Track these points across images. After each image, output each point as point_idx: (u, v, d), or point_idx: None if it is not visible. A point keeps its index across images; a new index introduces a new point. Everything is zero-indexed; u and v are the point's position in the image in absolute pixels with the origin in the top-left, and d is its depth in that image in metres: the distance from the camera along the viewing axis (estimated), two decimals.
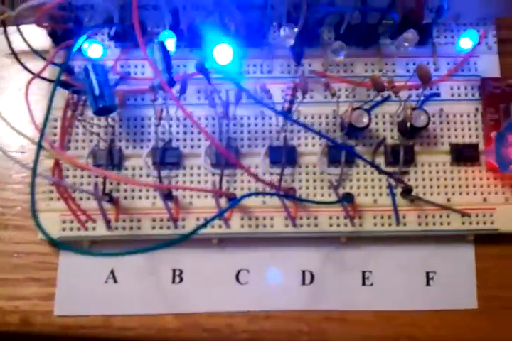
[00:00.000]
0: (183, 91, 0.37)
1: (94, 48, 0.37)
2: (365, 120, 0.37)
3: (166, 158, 0.39)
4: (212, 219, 0.32)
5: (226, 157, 0.31)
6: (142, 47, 0.29)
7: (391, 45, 0.41)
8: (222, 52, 0.36)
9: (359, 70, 0.41)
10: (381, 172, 0.37)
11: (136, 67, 0.41)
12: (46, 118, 0.33)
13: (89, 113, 0.39)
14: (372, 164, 0.38)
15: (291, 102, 0.36)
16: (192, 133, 0.40)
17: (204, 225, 0.31)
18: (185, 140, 0.40)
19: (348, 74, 0.41)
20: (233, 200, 0.37)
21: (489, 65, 0.42)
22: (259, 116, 0.40)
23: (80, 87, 0.37)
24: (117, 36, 0.40)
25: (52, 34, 0.39)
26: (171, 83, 0.34)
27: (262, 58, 0.41)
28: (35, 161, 0.31)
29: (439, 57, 0.41)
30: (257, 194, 0.37)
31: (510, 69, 0.42)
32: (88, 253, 0.29)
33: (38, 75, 0.37)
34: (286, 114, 0.36)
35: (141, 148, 0.40)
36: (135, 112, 0.40)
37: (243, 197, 0.34)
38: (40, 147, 0.32)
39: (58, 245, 0.34)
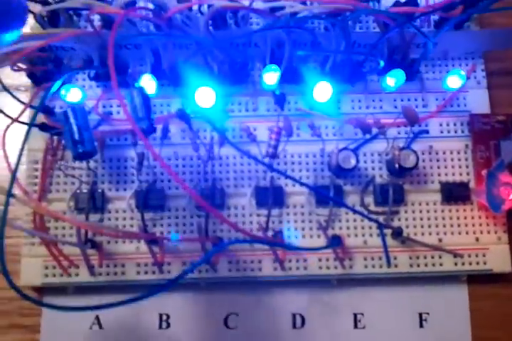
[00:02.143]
0: (164, 135, 0.36)
1: (73, 93, 0.36)
2: (353, 161, 0.37)
3: (150, 200, 0.38)
4: (196, 265, 0.31)
5: (203, 206, 0.30)
6: (119, 97, 0.28)
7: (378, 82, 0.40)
8: (204, 96, 0.35)
9: (346, 107, 0.41)
10: (367, 218, 0.36)
11: (118, 106, 0.40)
12: (17, 166, 0.32)
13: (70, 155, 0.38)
14: (356, 211, 0.37)
15: (276, 147, 0.35)
16: (177, 173, 0.39)
17: (187, 272, 0.30)
18: (169, 180, 0.39)
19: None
20: (217, 246, 0.36)
21: (479, 100, 0.41)
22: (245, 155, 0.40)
23: (60, 129, 0.36)
24: (98, 76, 0.39)
25: (31, 75, 0.38)
26: (151, 130, 0.33)
27: (246, 96, 0.40)
28: (4, 211, 0.30)
29: (427, 93, 0.41)
30: (241, 242, 0.36)
31: (499, 104, 0.41)
32: (68, 310, 0.27)
33: (15, 120, 0.36)
34: (269, 165, 0.35)
35: (124, 190, 0.39)
36: (117, 153, 0.40)
37: (227, 244, 0.33)
38: (9, 196, 0.31)
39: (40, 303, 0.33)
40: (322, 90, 0.36)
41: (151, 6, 0.35)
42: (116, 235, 0.37)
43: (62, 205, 0.39)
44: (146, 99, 0.33)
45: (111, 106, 0.40)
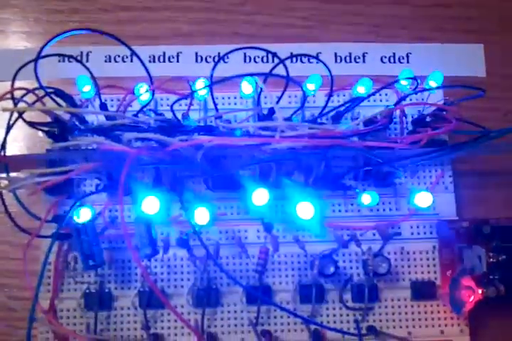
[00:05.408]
0: (165, 251, 0.40)
1: (84, 212, 0.40)
2: (332, 269, 0.42)
3: (152, 299, 0.43)
4: None
5: None
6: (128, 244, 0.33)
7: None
8: (200, 215, 0.39)
9: (327, 211, 0.45)
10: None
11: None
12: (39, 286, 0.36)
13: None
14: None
15: (263, 266, 0.39)
16: (175, 273, 0.44)
17: None
18: (169, 280, 0.44)
19: None
20: None
21: (446, 204, 0.46)
22: (237, 256, 0.44)
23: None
24: (105, 188, 0.43)
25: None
26: (154, 254, 0.38)
27: (237, 200, 0.45)
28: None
29: (400, 197, 0.45)
30: None
31: (466, 209, 0.46)
32: None
33: (36, 235, 0.40)
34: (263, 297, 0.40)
35: (129, 288, 0.44)
36: (123, 255, 0.44)
37: None
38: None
39: None
40: (304, 209, 0.40)
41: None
42: None
43: (73, 303, 0.43)
44: (149, 228, 0.38)
45: (116, 211, 0.45)
